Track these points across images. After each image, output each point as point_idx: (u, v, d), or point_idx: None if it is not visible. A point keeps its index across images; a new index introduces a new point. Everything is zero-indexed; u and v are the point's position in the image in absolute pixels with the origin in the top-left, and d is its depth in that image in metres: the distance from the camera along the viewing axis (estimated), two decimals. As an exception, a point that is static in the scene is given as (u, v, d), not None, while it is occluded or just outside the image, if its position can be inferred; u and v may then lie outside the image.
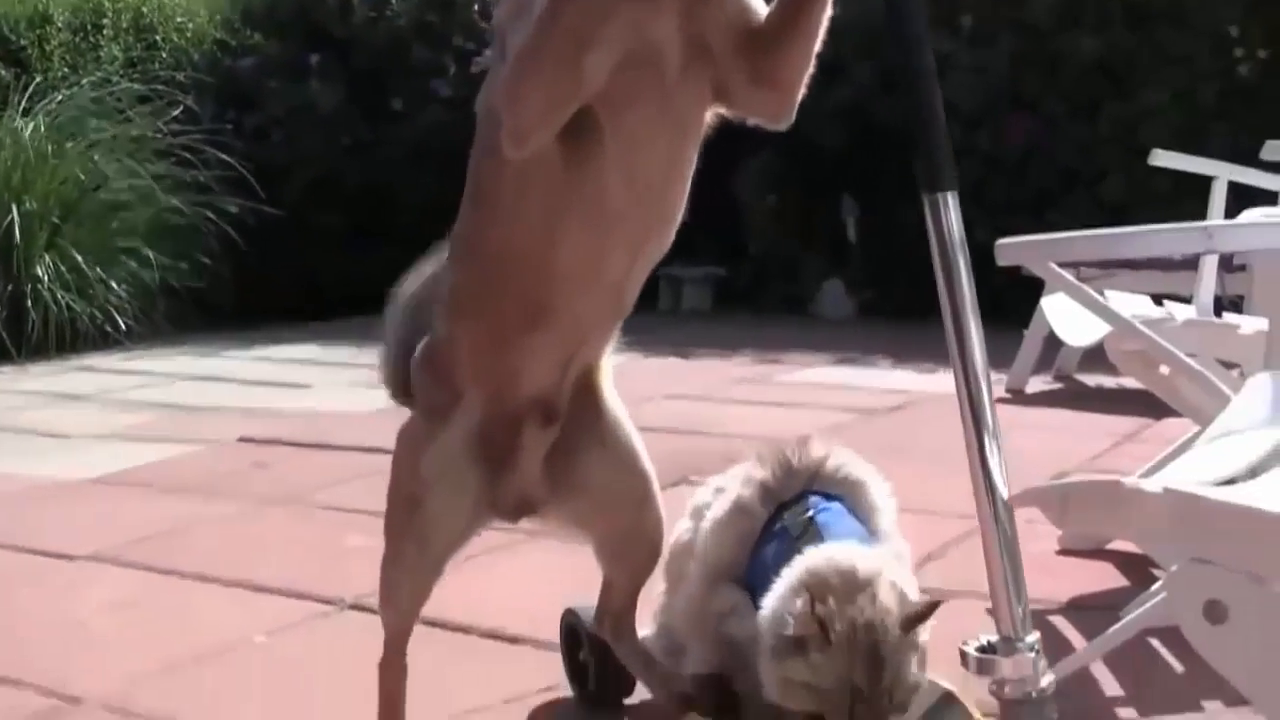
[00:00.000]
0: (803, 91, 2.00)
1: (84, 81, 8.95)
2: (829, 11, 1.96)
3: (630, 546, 2.28)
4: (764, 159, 8.49)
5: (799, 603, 1.95)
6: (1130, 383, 4.39)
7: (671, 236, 2.06)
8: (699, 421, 5.04)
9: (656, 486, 2.27)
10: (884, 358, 6.56)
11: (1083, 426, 4.89)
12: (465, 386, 2.09)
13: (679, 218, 2.05)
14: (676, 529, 2.42)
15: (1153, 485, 2.50)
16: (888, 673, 1.94)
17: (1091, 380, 5.75)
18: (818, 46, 1.98)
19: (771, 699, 2.01)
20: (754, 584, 2.13)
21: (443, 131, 9.01)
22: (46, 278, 7.57)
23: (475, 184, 2.05)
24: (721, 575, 2.23)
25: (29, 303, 7.45)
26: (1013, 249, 2.90)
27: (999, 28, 7.70)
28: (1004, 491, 1.77)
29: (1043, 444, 4.57)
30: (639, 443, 2.26)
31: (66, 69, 9.94)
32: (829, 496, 2.21)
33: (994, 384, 5.71)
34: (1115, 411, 4.99)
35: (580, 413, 2.18)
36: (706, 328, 8.08)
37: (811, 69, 1.99)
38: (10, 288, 7.48)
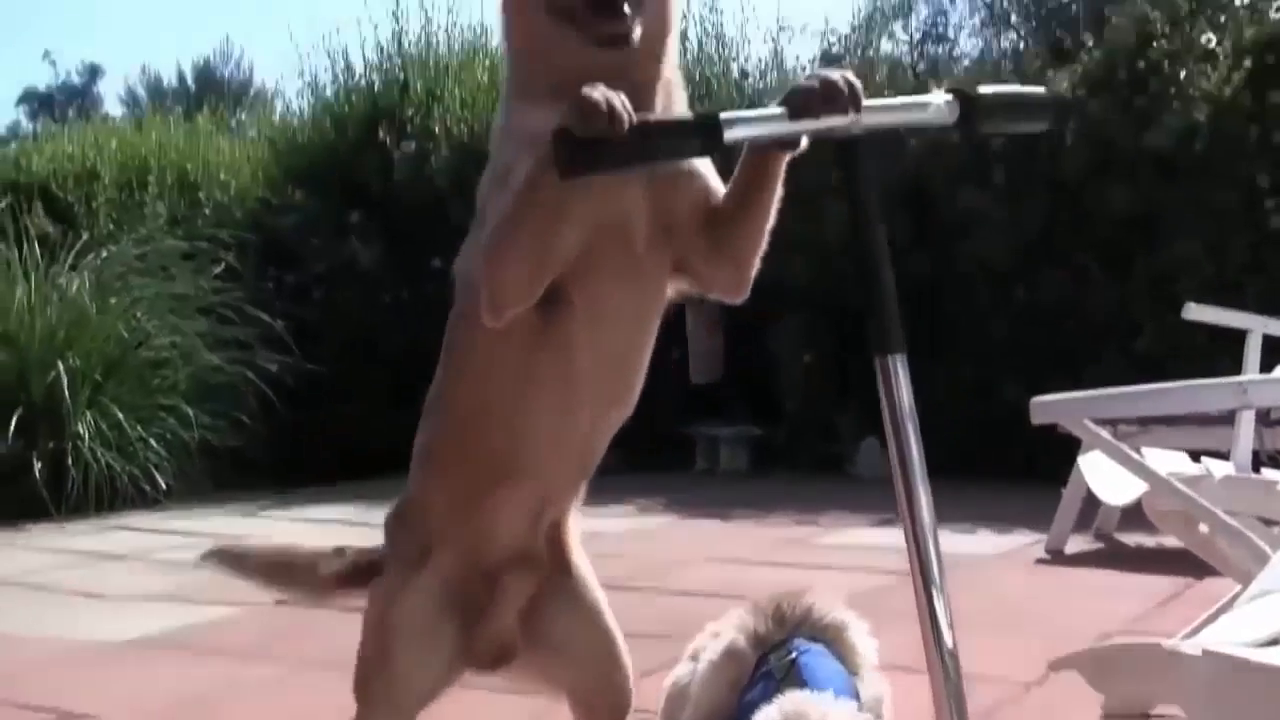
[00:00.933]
0: (757, 267, 2.08)
1: (129, 238, 9.08)
2: (779, 192, 2.04)
3: (599, 700, 2.30)
4: (798, 317, 8.53)
5: None
6: (1171, 541, 4.35)
7: (635, 399, 2.12)
8: (739, 585, 5.00)
9: (622, 643, 2.29)
10: (922, 516, 6.52)
11: (1124, 587, 4.84)
12: (437, 541, 2.13)
13: (641, 381, 2.12)
14: (675, 671, 2.48)
15: (1192, 648, 2.48)
16: None
17: (1132, 539, 5.70)
18: (770, 224, 2.06)
19: None
20: None
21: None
22: (87, 435, 7.62)
23: (450, 346, 2.13)
24: (713, 717, 2.30)
25: (69, 460, 7.49)
26: (1048, 407, 2.91)
27: (1030, 182, 7.75)
28: (949, 641, 1.82)
29: (1083, 607, 4.53)
30: (604, 601, 2.30)
31: (112, 226, 10.12)
32: (814, 640, 2.30)
33: (1033, 545, 5.67)
34: (1157, 571, 4.94)
35: (550, 569, 2.23)
36: (744, 488, 8.06)
37: (765, 246, 2.07)
38: (52, 445, 7.54)
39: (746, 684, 2.27)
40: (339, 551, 2.35)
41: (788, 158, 2.00)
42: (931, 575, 1.84)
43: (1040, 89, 2.18)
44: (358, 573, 2.29)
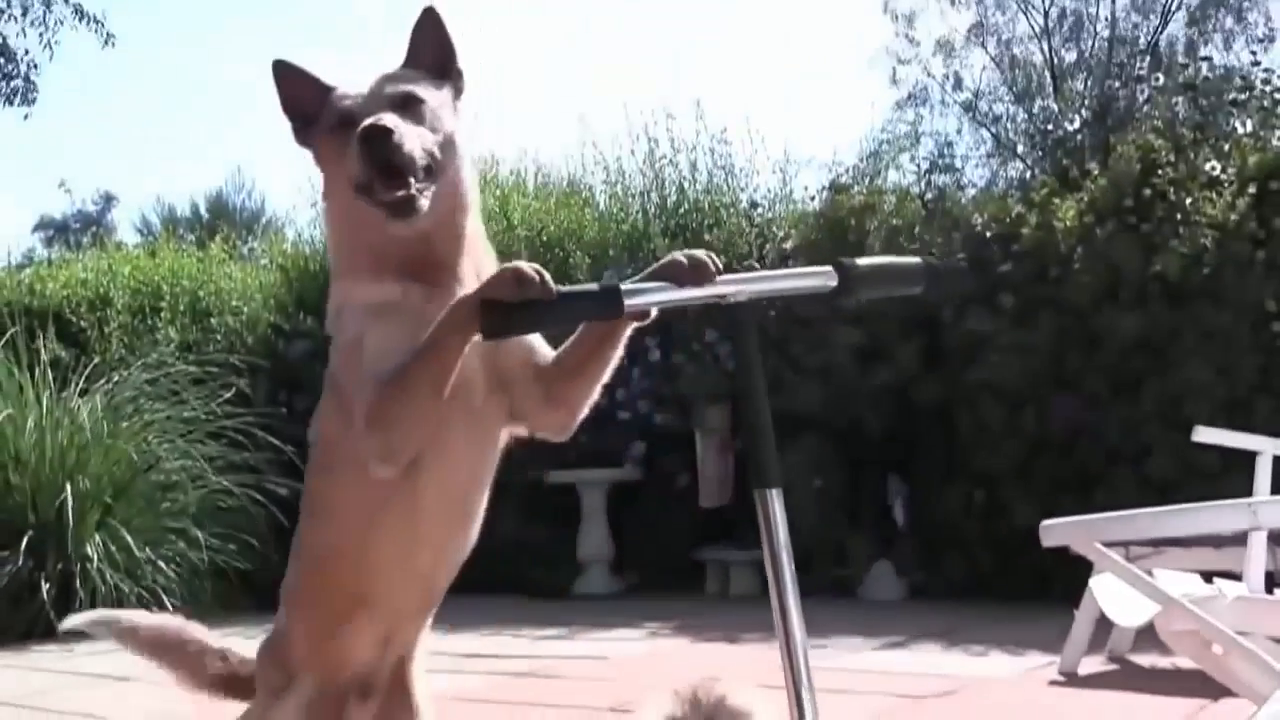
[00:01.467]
0: (585, 412, 2.40)
1: (140, 363, 9.11)
2: (620, 352, 2.34)
3: None
4: (808, 441, 8.54)
5: None
6: (1186, 662, 4.32)
7: (474, 535, 2.36)
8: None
9: None
10: (934, 640, 6.48)
11: (1139, 709, 4.80)
12: (299, 668, 2.35)
13: (478, 520, 2.36)
14: None
15: (1209, 770, 2.46)
16: None
17: (1146, 660, 5.66)
18: (606, 379, 2.37)
19: None
20: None
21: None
22: (96, 557, 7.61)
23: (309, 497, 2.39)
24: None
25: (78, 582, 7.46)
26: (1058, 530, 2.91)
27: (1039, 307, 7.79)
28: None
29: (1097, 728, 4.49)
30: None
31: (124, 350, 10.18)
32: None
33: (1047, 667, 5.64)
34: (1172, 693, 4.90)
35: (393, 701, 2.45)
36: (755, 612, 7.97)
37: (596, 396, 2.39)
38: (60, 566, 7.52)
39: None
40: (223, 655, 2.66)
41: (634, 325, 2.28)
42: (801, 679, 2.23)
43: (914, 259, 2.45)
44: (235, 681, 2.60)
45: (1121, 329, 7.48)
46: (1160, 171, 7.59)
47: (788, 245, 9.18)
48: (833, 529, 8.58)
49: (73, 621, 2.77)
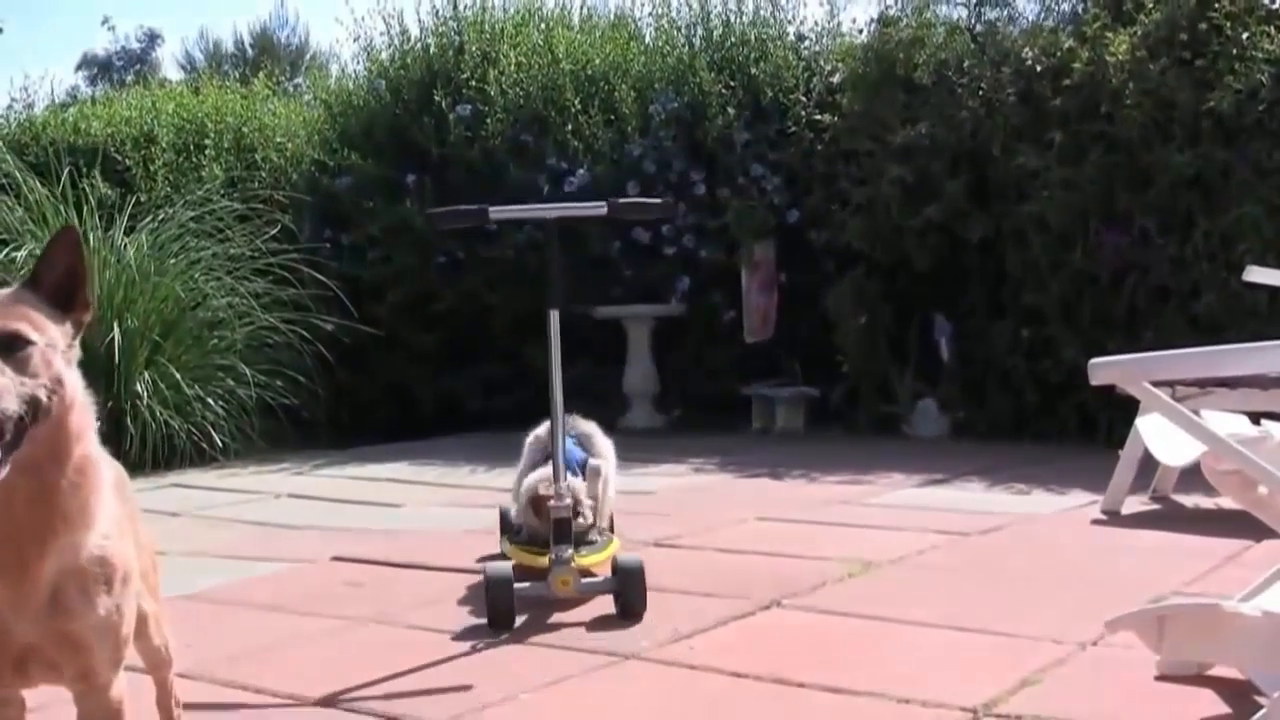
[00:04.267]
0: None
1: (185, 200, 9.10)
2: None
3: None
4: (855, 278, 8.50)
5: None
6: (1229, 503, 4.31)
7: None
8: (790, 543, 5.00)
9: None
10: (977, 478, 6.49)
11: (1180, 549, 4.80)
12: None
13: None
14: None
15: (1251, 609, 2.46)
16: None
17: (1189, 500, 5.66)
18: None
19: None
20: None
21: (535, 250, 9.10)
22: (146, 395, 7.68)
23: None
24: (526, 472, 4.47)
25: (128, 419, 7.54)
26: (1106, 368, 2.87)
27: (1089, 143, 7.68)
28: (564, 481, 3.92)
29: (1139, 567, 4.50)
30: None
31: (169, 188, 10.17)
32: (574, 438, 4.54)
33: (1090, 505, 5.61)
34: (1214, 533, 4.90)
35: None
36: (799, 448, 8.04)
37: None
38: (110, 405, 7.58)
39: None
40: None
41: None
42: (560, 468, 3.90)
43: (657, 199, 4.35)
44: None
45: (1173, 166, 7.37)
46: (1217, 4, 7.41)
47: (835, 79, 9.06)
48: (878, 365, 8.58)
49: None
